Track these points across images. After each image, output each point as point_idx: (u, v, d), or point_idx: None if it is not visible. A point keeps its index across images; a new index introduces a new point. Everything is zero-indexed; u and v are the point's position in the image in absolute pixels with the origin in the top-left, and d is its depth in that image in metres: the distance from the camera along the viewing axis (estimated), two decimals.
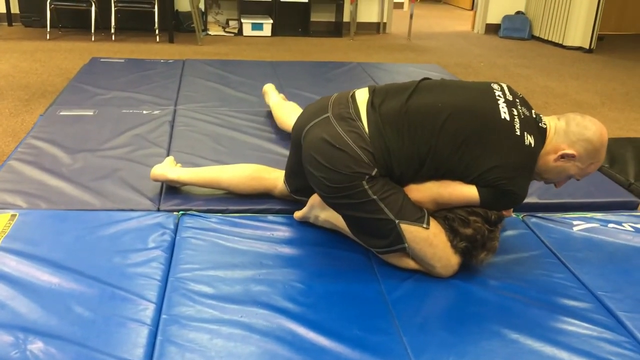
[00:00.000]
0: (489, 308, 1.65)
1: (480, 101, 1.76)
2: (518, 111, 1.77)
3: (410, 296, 1.68)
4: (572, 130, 1.73)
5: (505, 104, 1.76)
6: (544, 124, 1.78)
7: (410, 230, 1.68)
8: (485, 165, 1.68)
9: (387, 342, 1.49)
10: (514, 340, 1.52)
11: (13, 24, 5.92)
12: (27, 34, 5.64)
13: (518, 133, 1.70)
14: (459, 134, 1.68)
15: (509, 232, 2.05)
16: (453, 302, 1.67)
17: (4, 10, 5.85)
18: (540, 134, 1.76)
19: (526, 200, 2.28)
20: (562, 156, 1.73)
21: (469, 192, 1.71)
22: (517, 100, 1.81)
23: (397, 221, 1.68)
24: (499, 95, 1.79)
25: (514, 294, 1.71)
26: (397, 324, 1.55)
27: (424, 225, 1.69)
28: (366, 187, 1.67)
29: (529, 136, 1.72)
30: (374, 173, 1.67)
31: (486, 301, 1.68)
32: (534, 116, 1.80)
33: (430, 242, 1.69)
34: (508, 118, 1.72)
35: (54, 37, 5.49)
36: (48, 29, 5.47)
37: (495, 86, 1.84)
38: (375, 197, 1.67)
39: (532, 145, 1.71)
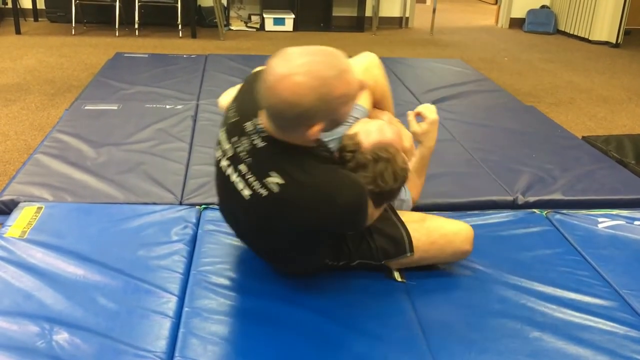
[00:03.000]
0: (510, 305, 1.64)
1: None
2: (242, 165, 1.43)
3: (431, 293, 1.67)
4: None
5: (236, 176, 1.44)
6: (262, 131, 1.41)
7: None
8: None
9: (407, 338, 1.49)
10: (537, 338, 1.51)
11: (39, 19, 6.00)
12: (53, 29, 5.71)
13: (258, 189, 1.39)
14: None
15: (533, 229, 2.03)
16: (474, 299, 1.66)
17: (30, 6, 5.93)
18: (270, 140, 1.39)
19: (550, 196, 2.29)
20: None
21: None
22: (239, 151, 1.44)
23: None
24: (229, 174, 1.47)
25: (536, 291, 1.69)
26: (418, 321, 1.55)
27: None
28: None
29: (273, 176, 1.37)
30: None
31: (508, 298, 1.66)
32: (255, 142, 1.41)
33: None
34: (241, 188, 1.43)
35: (79, 33, 5.56)
36: (73, 25, 5.53)
37: (224, 163, 1.48)
38: None
39: (282, 175, 1.37)
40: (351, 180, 1.42)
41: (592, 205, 2.25)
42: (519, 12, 7.00)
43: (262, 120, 1.39)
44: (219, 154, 1.52)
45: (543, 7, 6.91)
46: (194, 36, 5.64)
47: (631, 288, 1.73)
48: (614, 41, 6.12)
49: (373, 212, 1.55)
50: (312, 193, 1.36)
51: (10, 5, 5.56)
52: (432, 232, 1.70)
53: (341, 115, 1.36)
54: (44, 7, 5.94)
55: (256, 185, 1.39)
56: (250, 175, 1.40)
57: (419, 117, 1.88)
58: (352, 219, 1.44)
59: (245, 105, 1.47)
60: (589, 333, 1.54)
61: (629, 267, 1.84)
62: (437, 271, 1.76)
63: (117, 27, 5.52)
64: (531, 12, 6.90)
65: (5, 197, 2.05)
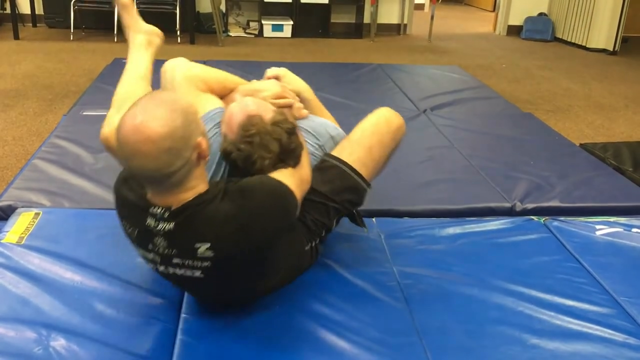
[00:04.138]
0: (508, 312, 1.63)
1: None
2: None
3: (429, 299, 1.67)
4: None
5: (179, 269, 1.40)
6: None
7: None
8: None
9: (405, 344, 1.48)
10: (535, 345, 1.51)
11: (37, 24, 6.01)
12: (51, 34, 5.72)
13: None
14: None
15: (530, 236, 2.03)
16: (472, 306, 1.66)
17: (28, 12, 5.94)
18: (173, 214, 1.32)
19: (548, 203, 2.29)
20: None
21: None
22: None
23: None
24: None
25: (534, 298, 1.69)
26: (416, 326, 1.55)
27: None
28: None
29: (200, 247, 1.33)
30: None
31: (505, 305, 1.66)
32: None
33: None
34: (190, 274, 1.39)
35: (78, 38, 5.56)
36: (72, 30, 5.54)
37: (162, 269, 1.43)
38: None
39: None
40: (255, 181, 1.40)
41: (590, 213, 2.26)
42: (516, 20, 7.03)
43: (154, 199, 1.32)
44: (151, 266, 1.45)
45: (541, 14, 6.94)
46: (192, 42, 5.65)
47: (629, 295, 1.73)
48: (611, 49, 6.15)
49: (300, 174, 1.50)
50: (237, 222, 1.33)
51: (8, 10, 5.56)
52: (364, 142, 1.71)
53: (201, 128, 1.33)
54: (42, 12, 5.95)
55: (197, 263, 1.35)
56: (187, 261, 1.35)
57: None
58: (285, 204, 1.39)
59: (133, 209, 1.39)
60: (587, 340, 1.54)
61: (626, 275, 1.84)
62: (435, 278, 1.75)
63: (115, 32, 5.53)
64: (529, 19, 6.92)
65: (3, 203, 2.05)
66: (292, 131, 1.52)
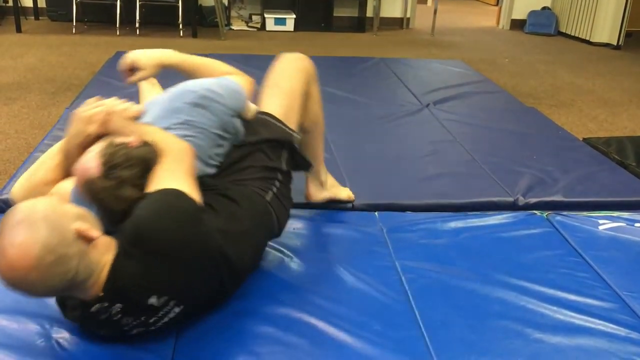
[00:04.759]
0: (510, 307, 1.63)
1: None
2: None
3: (432, 293, 1.67)
4: None
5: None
6: None
7: None
8: None
9: (408, 338, 1.48)
10: (537, 340, 1.51)
11: (40, 18, 6.01)
12: (54, 28, 5.71)
13: None
14: None
15: (533, 231, 2.02)
16: (474, 300, 1.66)
17: (31, 5, 5.94)
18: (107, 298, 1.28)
19: (551, 198, 2.29)
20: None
21: None
22: None
23: None
24: None
25: (537, 293, 1.69)
26: (419, 320, 1.55)
27: None
28: None
29: (152, 299, 1.30)
30: None
31: (508, 300, 1.66)
32: None
33: None
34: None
35: (80, 31, 5.56)
36: (74, 23, 5.54)
37: None
38: None
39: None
40: (137, 217, 1.29)
41: (593, 207, 2.25)
42: (520, 14, 7.00)
43: (86, 298, 1.27)
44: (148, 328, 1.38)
45: (544, 8, 6.91)
46: (194, 36, 5.64)
47: (631, 290, 1.72)
48: (615, 43, 6.12)
49: (170, 162, 1.40)
50: (155, 260, 1.27)
51: (11, 3, 5.56)
52: (280, 87, 1.76)
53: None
54: (44, 5, 5.95)
55: (166, 308, 1.32)
56: (159, 313, 1.32)
57: (134, 69, 1.72)
58: (177, 212, 1.32)
59: (86, 320, 1.35)
60: (589, 335, 1.54)
61: (629, 269, 1.83)
62: (437, 272, 1.75)
63: (117, 26, 5.53)
64: (532, 13, 6.90)
65: (6, 196, 2.05)
66: (126, 157, 1.37)
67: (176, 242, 1.30)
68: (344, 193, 2.13)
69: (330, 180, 2.10)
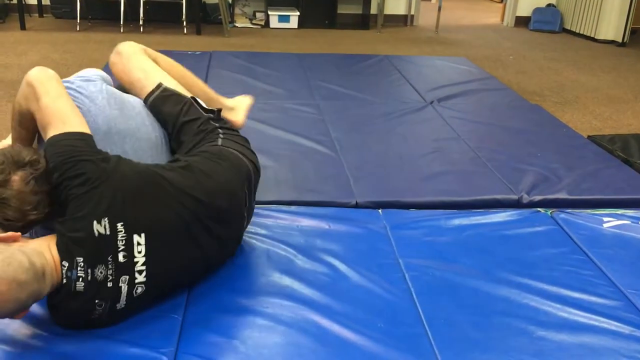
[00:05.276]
0: (514, 304, 1.63)
1: None
2: None
3: (436, 290, 1.67)
4: None
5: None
6: None
7: None
8: None
9: (411, 335, 1.48)
10: (541, 337, 1.50)
11: (44, 15, 6.01)
12: (58, 25, 5.72)
13: None
14: None
15: (537, 228, 2.02)
16: (478, 297, 1.65)
17: (35, 2, 5.94)
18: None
19: (555, 195, 2.28)
20: None
21: None
22: None
23: None
24: None
25: (541, 290, 1.69)
26: (422, 318, 1.54)
27: None
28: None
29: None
30: None
31: (512, 297, 1.66)
32: None
33: None
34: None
35: (84, 29, 5.56)
36: (78, 21, 5.54)
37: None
38: None
39: None
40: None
41: (597, 205, 2.24)
42: (524, 11, 6.98)
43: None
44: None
45: (549, 5, 6.89)
46: (198, 33, 5.64)
47: (636, 288, 1.72)
48: (620, 40, 6.10)
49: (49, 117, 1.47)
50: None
51: (15, 0, 5.57)
52: (133, 74, 2.02)
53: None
54: (49, 2, 5.95)
55: (136, 266, 1.39)
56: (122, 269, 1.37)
57: None
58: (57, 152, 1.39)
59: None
60: (593, 333, 1.53)
61: (633, 267, 1.83)
62: (441, 270, 1.75)
63: (122, 23, 5.53)
64: (537, 10, 6.87)
65: None
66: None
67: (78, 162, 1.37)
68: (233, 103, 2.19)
69: (233, 101, 2.19)
